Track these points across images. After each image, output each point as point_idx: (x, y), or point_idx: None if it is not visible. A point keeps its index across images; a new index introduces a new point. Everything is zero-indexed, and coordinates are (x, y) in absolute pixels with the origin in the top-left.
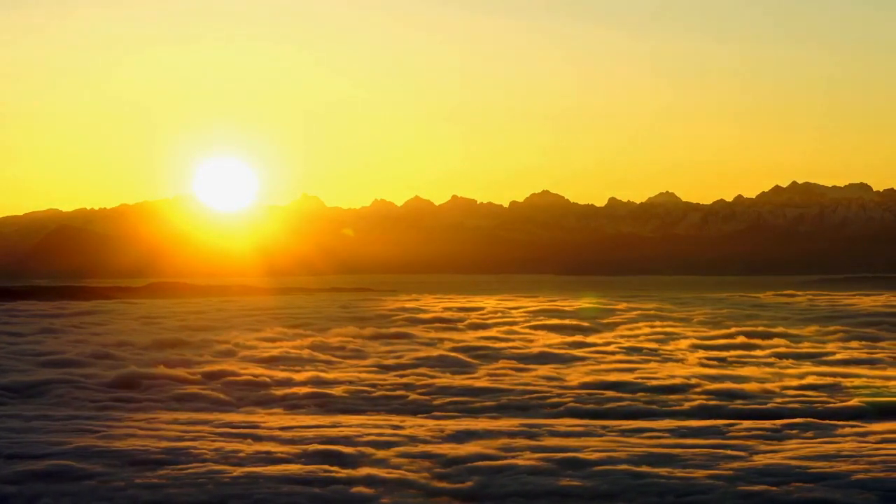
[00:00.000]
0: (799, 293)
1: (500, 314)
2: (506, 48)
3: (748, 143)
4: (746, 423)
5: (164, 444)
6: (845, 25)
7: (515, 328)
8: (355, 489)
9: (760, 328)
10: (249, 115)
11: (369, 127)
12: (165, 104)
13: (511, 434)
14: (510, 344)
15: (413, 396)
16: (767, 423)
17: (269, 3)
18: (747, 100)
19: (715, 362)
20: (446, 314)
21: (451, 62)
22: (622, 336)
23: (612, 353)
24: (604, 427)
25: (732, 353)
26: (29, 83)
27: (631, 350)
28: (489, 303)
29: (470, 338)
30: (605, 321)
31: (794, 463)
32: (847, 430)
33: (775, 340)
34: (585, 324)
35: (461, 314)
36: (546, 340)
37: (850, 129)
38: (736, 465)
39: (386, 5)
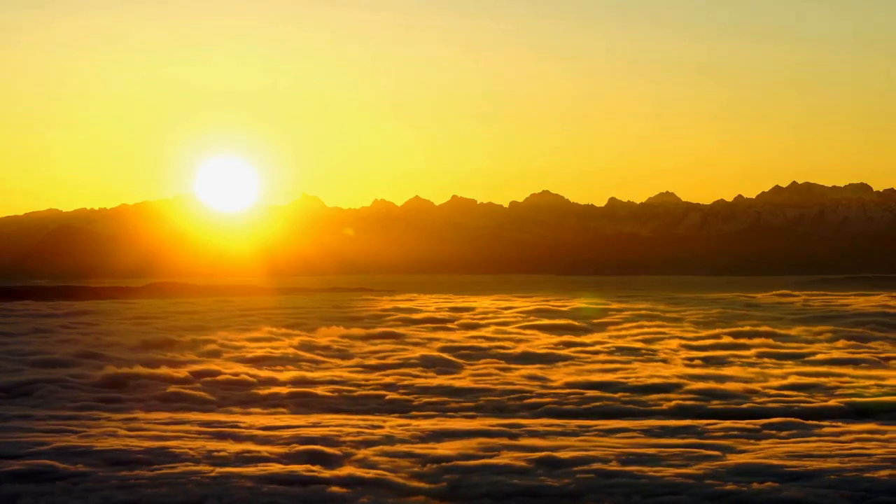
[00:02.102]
0: (796, 293)
1: (493, 314)
2: (506, 49)
3: (748, 143)
4: (725, 423)
5: (145, 443)
6: (846, 25)
7: (507, 328)
8: (333, 489)
9: (750, 328)
10: (249, 114)
11: (369, 127)
12: (165, 104)
13: (489, 434)
14: (499, 344)
15: (395, 396)
16: (746, 423)
17: (270, 5)
18: (748, 100)
19: (700, 362)
20: (439, 314)
21: (451, 63)
22: (612, 336)
23: (600, 353)
24: (582, 427)
25: (719, 353)
26: (29, 83)
27: (619, 350)
28: (484, 303)
29: (460, 338)
30: (597, 321)
31: (766, 462)
32: (825, 430)
33: (763, 341)
34: (577, 324)
35: (454, 314)
36: (536, 340)
37: (850, 129)
38: (708, 464)
39: (390, 8)
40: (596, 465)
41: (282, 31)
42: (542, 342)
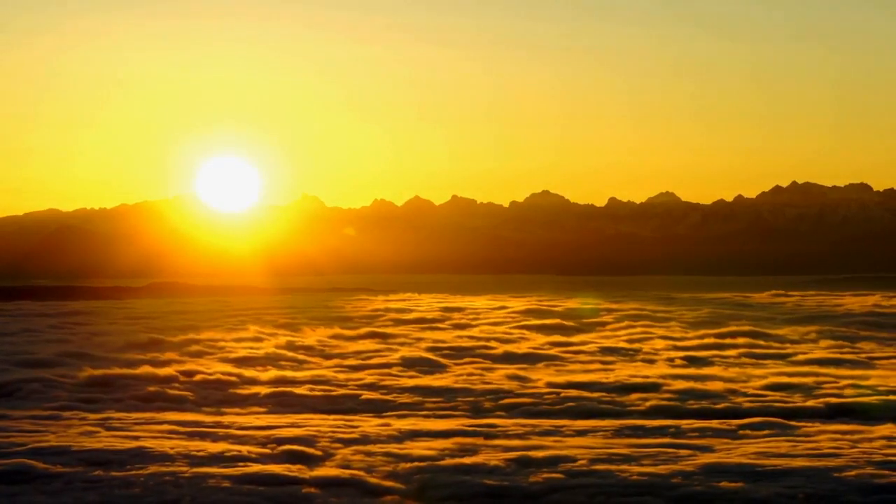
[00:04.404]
0: (793, 293)
1: (485, 314)
2: (506, 48)
3: (748, 142)
4: (702, 423)
5: (123, 444)
6: (846, 25)
7: (497, 328)
8: (308, 489)
9: (737, 329)
10: (249, 114)
11: (369, 127)
12: (166, 104)
13: (465, 434)
14: (487, 344)
15: (375, 396)
16: (723, 423)
17: (270, 6)
18: (748, 99)
19: (685, 362)
20: (431, 314)
21: (450, 62)
22: (601, 336)
23: (587, 353)
24: (558, 427)
25: (703, 353)
26: (29, 83)
27: (606, 350)
28: (479, 303)
29: (448, 338)
30: (589, 321)
31: (737, 462)
32: (801, 430)
33: (749, 341)
34: (569, 324)
35: (446, 314)
36: (524, 341)
37: (850, 128)
38: (679, 464)
39: (390, 8)
40: (566, 466)
41: (282, 31)
42: (529, 342)
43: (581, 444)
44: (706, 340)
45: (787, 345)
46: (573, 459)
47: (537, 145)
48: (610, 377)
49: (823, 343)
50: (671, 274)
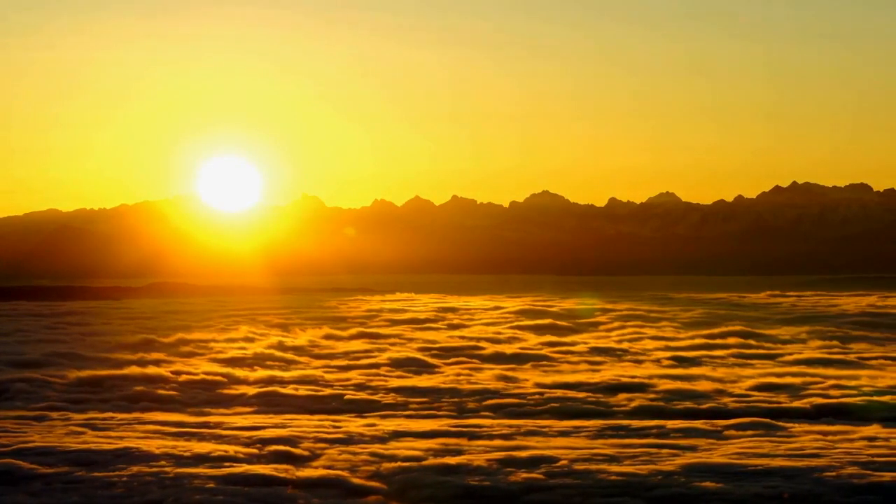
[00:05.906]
0: (790, 294)
1: (480, 314)
2: (505, 49)
3: (748, 143)
4: (687, 423)
5: (109, 444)
6: (846, 25)
7: (490, 329)
8: (291, 489)
9: (730, 329)
10: (250, 115)
11: (370, 127)
12: (166, 104)
13: (449, 434)
14: (478, 344)
15: (362, 396)
16: (707, 423)
17: (271, 7)
18: (748, 100)
19: (674, 363)
20: (426, 314)
21: (451, 63)
22: (595, 336)
23: (578, 353)
24: (543, 427)
25: (694, 353)
26: (29, 85)
27: (598, 350)
28: (475, 303)
29: (441, 338)
30: (584, 321)
31: (719, 462)
32: (786, 430)
33: (741, 341)
34: (562, 324)
35: (442, 314)
36: (516, 341)
37: (850, 129)
38: (661, 464)
39: (390, 8)
40: (547, 467)
41: (282, 32)
42: (521, 343)
43: (564, 445)
44: (697, 341)
45: (778, 345)
46: (555, 460)
47: (537, 145)
48: (602, 378)
49: (814, 343)
50: (671, 274)
